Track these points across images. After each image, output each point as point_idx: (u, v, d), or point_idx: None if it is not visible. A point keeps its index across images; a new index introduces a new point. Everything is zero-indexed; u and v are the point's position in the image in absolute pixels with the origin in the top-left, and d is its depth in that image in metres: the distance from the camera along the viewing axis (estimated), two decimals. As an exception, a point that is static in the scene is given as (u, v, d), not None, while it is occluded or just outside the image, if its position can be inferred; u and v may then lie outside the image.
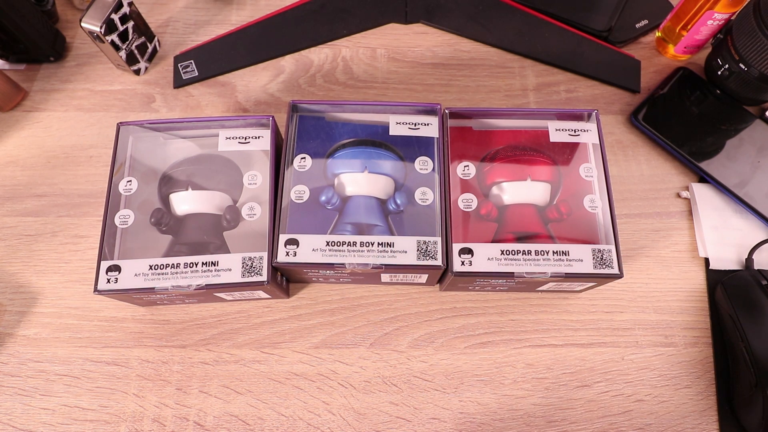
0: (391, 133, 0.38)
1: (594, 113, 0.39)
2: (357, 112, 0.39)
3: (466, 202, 0.36)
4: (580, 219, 0.36)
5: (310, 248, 0.34)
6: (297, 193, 0.35)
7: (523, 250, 0.34)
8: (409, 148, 0.37)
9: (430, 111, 0.38)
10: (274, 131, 0.38)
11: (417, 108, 0.38)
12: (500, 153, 0.38)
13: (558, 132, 0.38)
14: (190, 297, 0.36)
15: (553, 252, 0.34)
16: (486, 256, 0.34)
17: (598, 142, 0.38)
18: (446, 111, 0.38)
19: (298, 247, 0.34)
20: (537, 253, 0.34)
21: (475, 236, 0.35)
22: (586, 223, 0.36)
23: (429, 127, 0.38)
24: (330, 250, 0.34)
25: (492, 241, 0.35)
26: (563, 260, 0.34)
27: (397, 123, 0.38)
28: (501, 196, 0.37)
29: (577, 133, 0.38)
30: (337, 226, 0.35)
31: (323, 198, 0.35)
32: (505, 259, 0.34)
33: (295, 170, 0.36)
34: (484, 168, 0.38)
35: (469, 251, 0.34)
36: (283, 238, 0.34)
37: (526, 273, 0.33)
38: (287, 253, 0.33)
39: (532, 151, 0.38)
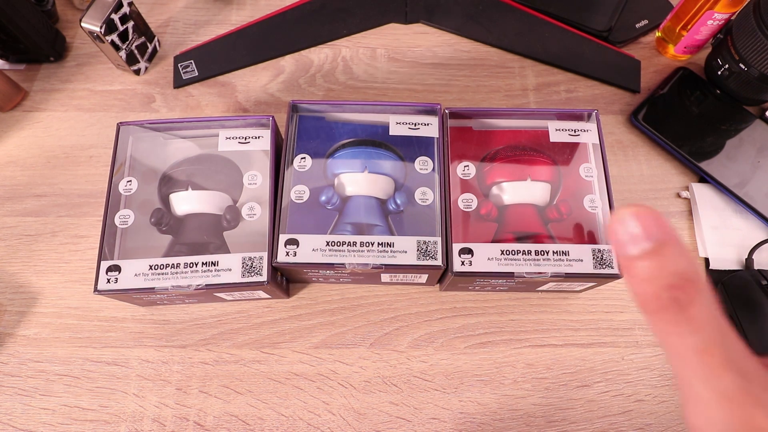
0: (391, 133, 0.38)
1: (594, 113, 0.38)
2: (357, 112, 0.39)
3: (466, 202, 0.36)
4: (580, 219, 0.36)
5: (310, 248, 0.34)
6: (297, 193, 0.35)
7: (523, 250, 0.34)
8: (409, 148, 0.37)
9: (430, 111, 0.38)
10: (274, 131, 0.38)
11: (417, 108, 0.38)
12: (500, 153, 0.38)
13: (558, 132, 0.38)
14: (190, 297, 0.36)
15: (553, 252, 0.34)
16: (486, 256, 0.34)
17: (598, 142, 0.38)
18: (446, 111, 0.38)
19: (298, 247, 0.34)
20: (537, 253, 0.34)
21: (475, 236, 0.35)
22: (587, 223, 0.36)
23: (429, 127, 0.38)
24: (330, 250, 0.34)
25: (492, 241, 0.35)
26: (563, 260, 0.34)
27: (397, 123, 0.38)
28: (501, 196, 0.37)
29: (577, 133, 0.38)
30: (337, 226, 0.35)
31: (323, 198, 0.35)
32: (505, 259, 0.34)
33: (295, 170, 0.36)
34: (484, 168, 0.38)
35: (469, 251, 0.34)
36: (283, 238, 0.34)
37: (526, 273, 0.33)
38: (287, 253, 0.33)
39: (532, 151, 0.38)
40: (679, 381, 0.15)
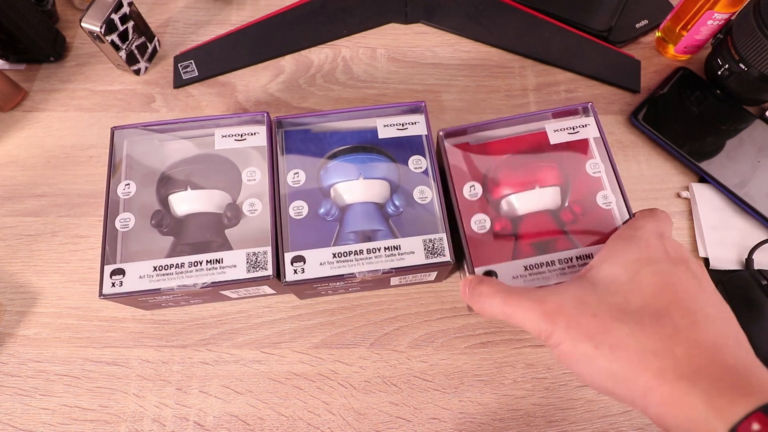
0: (380, 137, 0.38)
1: (589, 106, 0.38)
2: (342, 120, 0.38)
3: (479, 223, 0.35)
4: (597, 217, 0.35)
5: (318, 262, 0.33)
6: (296, 209, 0.35)
7: (547, 262, 0.33)
8: (400, 149, 0.37)
9: (415, 109, 0.38)
10: (269, 127, 0.38)
11: (402, 108, 0.38)
12: (502, 165, 0.37)
13: (557, 133, 0.38)
14: (196, 296, 0.36)
15: (576, 258, 0.33)
16: (510, 275, 0.33)
17: (599, 136, 0.37)
18: (441, 133, 0.37)
19: (305, 263, 0.33)
20: (561, 261, 0.33)
21: (495, 256, 0.34)
22: (604, 220, 0.35)
23: (417, 126, 0.38)
24: (338, 261, 0.33)
25: (513, 258, 0.34)
26: (588, 263, 0.32)
27: (385, 126, 0.38)
28: (512, 209, 0.36)
29: (576, 130, 0.38)
30: (340, 237, 0.35)
31: (322, 210, 0.35)
32: (530, 274, 0.33)
33: (290, 186, 0.36)
34: (489, 183, 0.37)
35: (492, 272, 0.33)
36: (288, 256, 0.33)
37: (554, 282, 0.33)
38: (295, 271, 0.33)
39: (535, 156, 0.37)
40: (511, 321, 0.28)
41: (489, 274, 0.33)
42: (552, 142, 0.37)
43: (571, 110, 0.38)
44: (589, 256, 0.33)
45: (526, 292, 0.27)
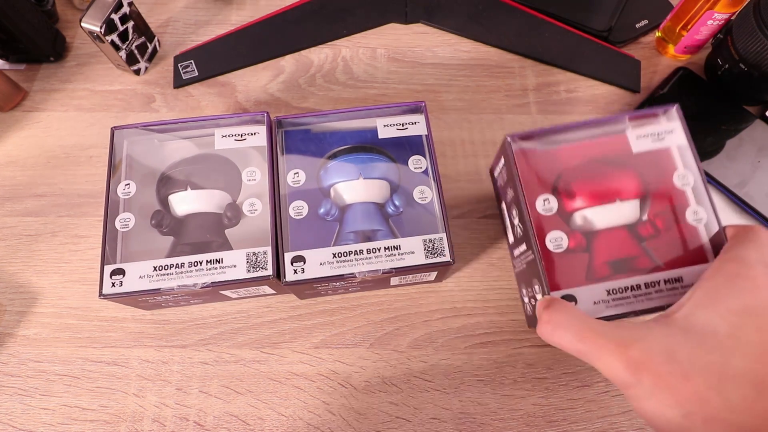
0: (380, 137, 0.38)
1: (674, 109, 0.33)
2: (342, 120, 0.38)
3: (555, 241, 0.32)
4: (680, 232, 0.31)
5: (317, 262, 0.33)
6: (296, 209, 0.35)
7: (632, 286, 0.30)
8: (400, 149, 0.37)
9: (415, 109, 0.38)
10: (269, 127, 0.38)
11: (402, 108, 0.38)
12: (575, 174, 0.33)
13: (640, 140, 0.33)
14: (196, 296, 0.36)
15: (665, 281, 0.30)
16: (591, 300, 0.30)
17: (686, 143, 0.33)
18: (508, 138, 0.33)
19: (305, 263, 0.33)
20: (648, 285, 0.30)
21: (569, 278, 0.31)
22: (688, 236, 0.31)
23: (417, 126, 0.38)
24: (338, 261, 0.33)
25: (587, 278, 0.31)
26: (677, 288, 0.30)
27: (385, 126, 0.38)
28: (587, 224, 0.33)
29: (661, 136, 0.33)
30: (340, 237, 0.35)
31: (322, 210, 0.35)
32: (613, 299, 0.30)
33: (290, 186, 0.36)
34: (561, 195, 0.33)
35: (571, 297, 0.30)
36: (288, 256, 0.33)
37: (640, 309, 0.30)
38: (295, 271, 0.33)
39: (610, 164, 0.33)
40: (585, 359, 0.25)
41: (566, 298, 0.30)
42: (635, 150, 0.33)
43: (649, 114, 0.34)
44: (679, 280, 0.30)
45: (605, 328, 0.24)
